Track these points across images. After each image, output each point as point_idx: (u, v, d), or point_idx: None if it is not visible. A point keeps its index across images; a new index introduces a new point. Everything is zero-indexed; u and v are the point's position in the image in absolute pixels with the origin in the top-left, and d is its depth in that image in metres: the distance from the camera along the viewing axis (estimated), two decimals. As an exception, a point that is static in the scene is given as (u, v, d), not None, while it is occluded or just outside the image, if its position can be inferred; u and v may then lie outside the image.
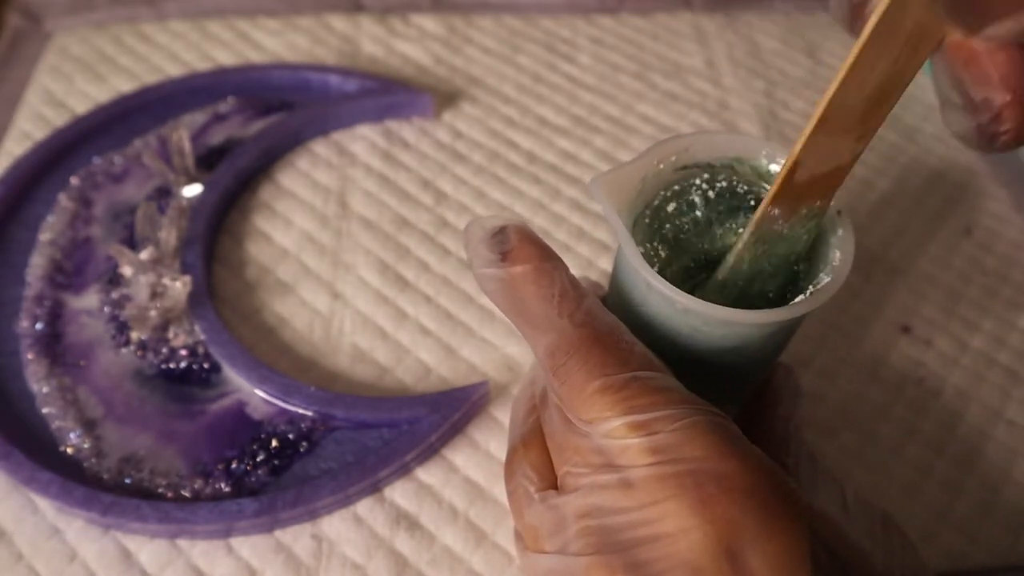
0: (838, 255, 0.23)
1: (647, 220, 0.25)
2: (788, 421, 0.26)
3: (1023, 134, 0.17)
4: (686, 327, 0.23)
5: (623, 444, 0.20)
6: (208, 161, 0.40)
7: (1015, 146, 0.18)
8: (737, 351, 0.24)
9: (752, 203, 0.25)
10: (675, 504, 0.19)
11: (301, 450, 0.31)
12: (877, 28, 0.17)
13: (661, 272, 0.23)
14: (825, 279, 0.23)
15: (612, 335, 0.22)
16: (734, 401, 0.27)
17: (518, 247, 0.23)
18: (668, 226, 0.25)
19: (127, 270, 0.34)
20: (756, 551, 0.19)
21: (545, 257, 0.23)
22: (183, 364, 0.33)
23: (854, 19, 0.18)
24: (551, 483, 0.23)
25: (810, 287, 0.24)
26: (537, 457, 0.24)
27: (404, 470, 0.31)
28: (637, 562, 0.19)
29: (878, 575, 0.21)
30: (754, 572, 0.19)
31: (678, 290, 0.22)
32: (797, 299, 0.23)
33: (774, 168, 0.25)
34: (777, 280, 0.24)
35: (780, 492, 0.20)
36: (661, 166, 0.25)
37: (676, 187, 0.25)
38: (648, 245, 0.24)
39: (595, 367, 0.21)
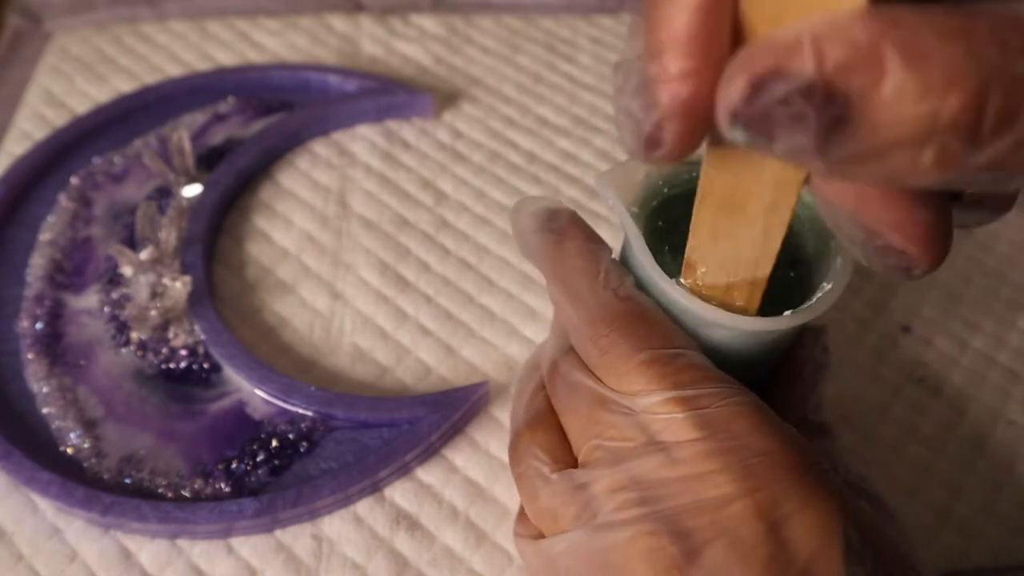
0: (839, 261, 0.23)
1: (652, 216, 0.25)
2: (806, 400, 0.26)
3: (935, 267, 0.17)
4: (691, 330, 0.23)
5: (667, 419, 0.21)
6: (208, 161, 0.40)
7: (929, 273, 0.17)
8: (734, 353, 0.24)
9: None
10: (721, 477, 0.20)
11: (301, 450, 0.31)
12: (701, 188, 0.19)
13: (664, 269, 0.23)
14: (827, 287, 0.23)
15: (656, 312, 0.23)
16: None
17: (568, 226, 0.25)
18: (673, 223, 0.25)
19: (127, 270, 0.34)
20: (794, 524, 0.19)
21: (592, 239, 0.24)
22: (183, 364, 0.33)
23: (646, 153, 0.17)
24: (566, 463, 0.23)
25: (816, 295, 0.23)
26: (546, 438, 0.24)
27: (404, 470, 0.31)
28: (682, 530, 0.20)
29: (903, 556, 0.21)
30: (792, 544, 0.19)
31: (687, 294, 0.22)
32: (804, 305, 0.23)
33: None
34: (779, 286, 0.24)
35: (815, 470, 0.20)
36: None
37: (680, 184, 0.25)
38: (652, 243, 0.24)
39: (640, 339, 0.22)
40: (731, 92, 0.14)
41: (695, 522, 0.20)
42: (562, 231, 0.24)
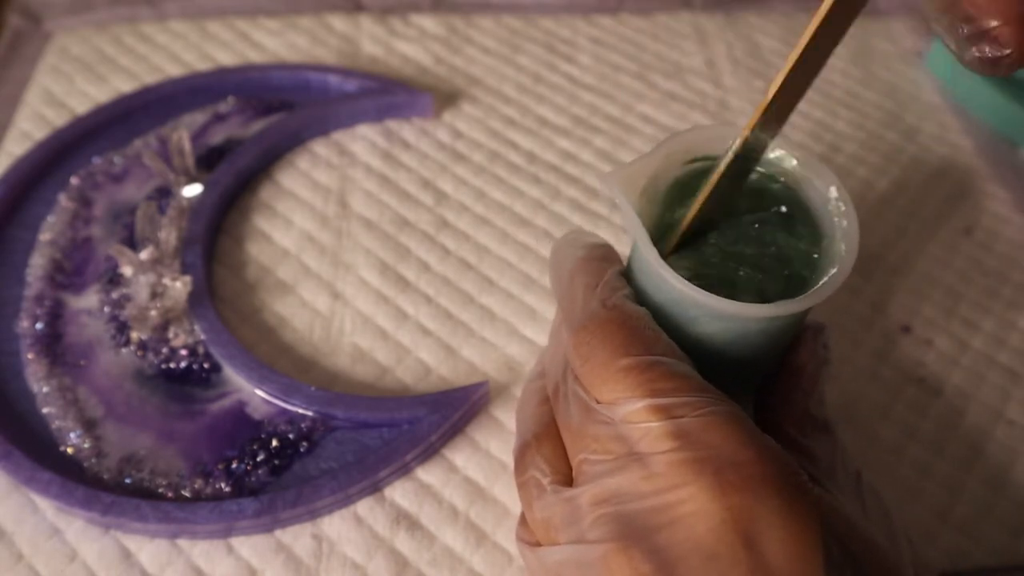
0: (843, 248, 0.23)
1: (657, 213, 0.25)
2: (809, 395, 0.26)
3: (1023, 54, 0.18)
4: (697, 323, 0.23)
5: (644, 428, 0.21)
6: (208, 161, 0.40)
7: (1019, 68, 0.18)
8: (742, 344, 0.24)
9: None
10: (695, 489, 0.19)
11: (301, 450, 0.31)
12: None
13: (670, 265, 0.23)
14: (832, 271, 0.23)
15: (639, 320, 0.23)
16: (744, 391, 0.27)
17: (592, 248, 0.26)
18: (677, 221, 0.25)
19: (127, 270, 0.34)
20: (771, 538, 0.19)
21: (604, 258, 0.25)
22: (183, 364, 0.33)
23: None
24: (565, 476, 0.23)
25: (821, 280, 0.24)
26: (550, 450, 0.24)
27: (404, 470, 0.31)
28: (655, 547, 0.20)
29: (890, 568, 0.21)
30: (768, 559, 0.19)
31: (691, 284, 0.22)
32: (811, 290, 0.23)
33: (774, 157, 0.25)
34: (778, 278, 0.24)
35: (792, 483, 0.20)
36: (671, 160, 0.25)
37: (684, 181, 0.25)
38: (657, 239, 0.24)
39: (619, 347, 0.22)
40: None
41: (669, 537, 0.19)
42: (580, 251, 0.26)
